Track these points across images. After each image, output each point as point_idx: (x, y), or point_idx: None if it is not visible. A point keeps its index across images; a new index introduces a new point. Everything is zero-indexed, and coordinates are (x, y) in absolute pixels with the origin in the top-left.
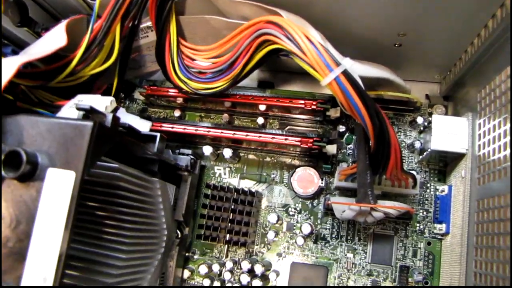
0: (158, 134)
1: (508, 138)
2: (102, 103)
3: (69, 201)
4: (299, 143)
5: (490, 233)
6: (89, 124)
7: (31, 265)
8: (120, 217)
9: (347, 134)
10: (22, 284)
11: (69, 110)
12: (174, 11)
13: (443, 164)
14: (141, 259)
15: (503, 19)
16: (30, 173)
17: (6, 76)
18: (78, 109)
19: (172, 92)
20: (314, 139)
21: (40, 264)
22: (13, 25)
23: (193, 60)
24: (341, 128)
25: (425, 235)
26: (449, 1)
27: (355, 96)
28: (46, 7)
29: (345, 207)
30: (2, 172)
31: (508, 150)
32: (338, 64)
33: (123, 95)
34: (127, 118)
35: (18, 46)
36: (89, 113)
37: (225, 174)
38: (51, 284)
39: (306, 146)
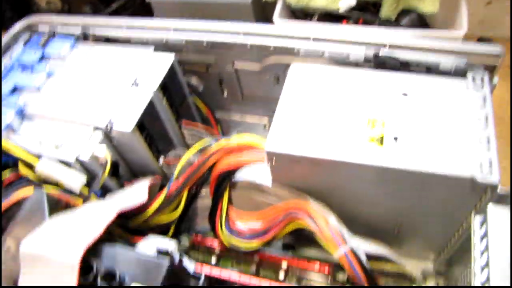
0: (202, 275)
1: None
2: (170, 245)
3: None
4: None
5: None
6: (166, 262)
7: None
8: None
9: None
10: None
11: (143, 246)
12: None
13: None
14: None
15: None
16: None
17: (107, 222)
18: (158, 251)
19: (214, 242)
20: None
21: None
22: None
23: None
24: None
25: None
26: (429, 211)
27: (359, 270)
28: (132, 168)
29: None
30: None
31: None
32: (346, 241)
33: None
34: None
35: (106, 191)
36: (165, 254)
37: None
38: None
39: None
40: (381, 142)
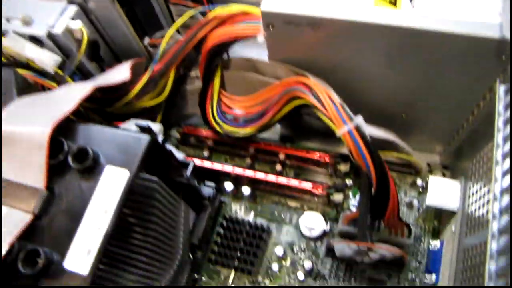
0: (192, 162)
1: (486, 198)
2: (153, 127)
3: (121, 194)
4: (310, 188)
5: (471, 275)
6: (147, 137)
7: (79, 240)
8: (148, 225)
9: (354, 188)
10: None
11: (127, 126)
12: (220, 67)
13: (438, 222)
14: (155, 272)
15: (491, 99)
16: (92, 167)
17: (80, 96)
18: (138, 125)
19: (205, 133)
20: (325, 186)
21: (87, 240)
22: (87, 59)
23: (230, 108)
24: (349, 182)
25: (416, 284)
26: (444, 88)
27: (363, 147)
28: (113, 48)
29: (344, 245)
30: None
31: (485, 209)
32: (351, 119)
33: None
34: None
35: (86, 77)
36: (146, 131)
37: (240, 210)
38: (93, 258)
39: (317, 192)
40: (395, 4)
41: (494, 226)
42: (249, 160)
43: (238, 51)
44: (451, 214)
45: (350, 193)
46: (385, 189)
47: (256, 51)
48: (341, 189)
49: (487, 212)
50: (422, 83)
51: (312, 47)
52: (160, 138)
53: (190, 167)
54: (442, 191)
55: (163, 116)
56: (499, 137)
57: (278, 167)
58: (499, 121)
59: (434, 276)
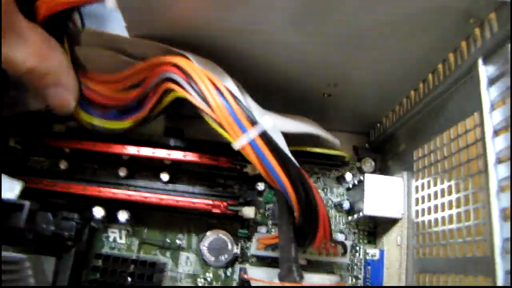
0: (27, 204)
1: (453, 210)
2: None
3: None
4: (210, 208)
5: None
6: None
7: None
8: None
9: (267, 192)
10: None
11: None
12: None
13: (373, 225)
14: None
15: (445, 76)
16: None
17: None
18: None
19: (60, 141)
20: (228, 203)
21: None
22: None
23: (94, 91)
24: (260, 186)
25: None
26: (384, 52)
27: (275, 164)
28: None
29: (267, 284)
30: None
31: (453, 225)
32: (254, 123)
33: None
34: None
35: None
36: None
37: (121, 238)
38: None
39: (219, 211)
40: None
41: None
42: (124, 170)
43: None
44: (388, 219)
45: (263, 199)
46: (312, 214)
47: None
48: (251, 201)
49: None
50: (346, 53)
51: (190, 11)
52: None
53: (25, 212)
54: (382, 195)
55: None
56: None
57: (165, 176)
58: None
59: None
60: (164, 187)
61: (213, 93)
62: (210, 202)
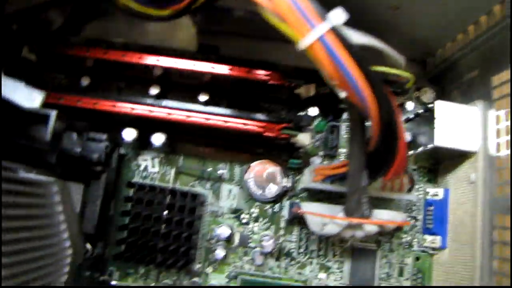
0: (53, 112)
1: None
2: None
3: None
4: (262, 130)
5: None
6: None
7: None
8: None
9: (319, 119)
10: None
11: None
12: None
13: (434, 161)
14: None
15: None
16: None
17: None
18: None
19: (81, 50)
20: (284, 125)
21: None
22: None
23: None
24: (313, 111)
25: (413, 248)
26: None
27: (352, 65)
28: None
29: (327, 220)
30: None
31: None
32: (323, 16)
33: None
34: (7, 86)
35: None
36: None
37: (153, 167)
38: None
39: (272, 135)
40: None
41: None
42: (157, 88)
43: None
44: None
45: (313, 128)
46: (392, 134)
47: None
48: (306, 124)
49: None
50: None
51: None
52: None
53: (51, 122)
54: (455, 125)
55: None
56: None
57: (203, 97)
58: None
59: (438, 238)
60: (203, 108)
61: None
62: (262, 124)
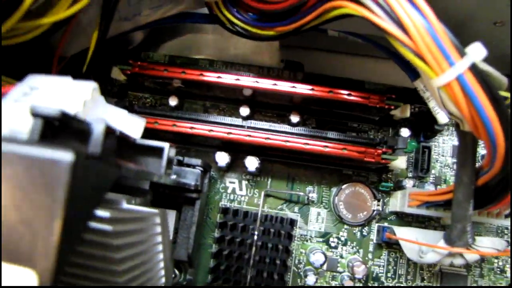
0: (166, 146)
1: None
2: (76, 94)
3: None
4: (362, 156)
5: None
6: (66, 160)
7: None
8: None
9: (411, 140)
10: None
11: (14, 108)
12: None
13: None
14: None
15: None
16: None
17: None
18: (35, 115)
19: (173, 71)
20: (383, 150)
21: None
22: None
23: None
24: (405, 132)
25: (505, 274)
26: None
27: (487, 105)
28: None
29: (426, 248)
30: None
31: None
32: (462, 52)
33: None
34: (111, 115)
35: None
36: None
37: (241, 189)
38: None
39: (372, 161)
40: None
41: None
42: (246, 108)
43: None
44: None
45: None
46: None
47: None
48: (402, 147)
49: None
50: None
51: None
52: (97, 128)
53: (165, 156)
54: None
55: (102, 41)
56: None
57: (295, 118)
58: None
59: None
60: (294, 130)
61: (409, 9)
62: (362, 149)
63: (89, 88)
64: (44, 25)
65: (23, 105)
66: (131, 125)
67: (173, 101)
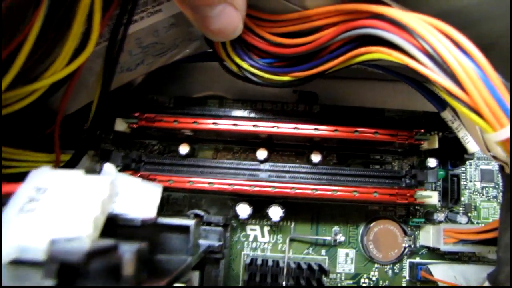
0: (192, 223)
1: None
2: (92, 195)
3: None
4: (395, 199)
5: None
6: None
7: None
8: None
9: (439, 169)
10: None
11: (19, 221)
12: None
13: None
14: None
15: None
16: None
17: None
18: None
19: (184, 121)
20: (416, 190)
21: None
22: None
23: (255, 34)
24: (433, 163)
25: None
26: None
27: None
28: None
29: None
30: None
31: None
32: None
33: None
34: (125, 196)
35: None
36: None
37: (263, 236)
38: None
39: (405, 202)
40: None
41: None
42: (263, 151)
43: None
44: None
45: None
46: None
47: None
48: (433, 181)
49: None
50: None
51: None
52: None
53: (192, 234)
54: None
55: (104, 97)
56: None
57: (316, 157)
58: None
59: None
60: (316, 170)
61: (461, 58)
62: (394, 191)
63: (105, 184)
64: (42, 88)
65: (30, 218)
66: (148, 195)
67: (183, 150)
